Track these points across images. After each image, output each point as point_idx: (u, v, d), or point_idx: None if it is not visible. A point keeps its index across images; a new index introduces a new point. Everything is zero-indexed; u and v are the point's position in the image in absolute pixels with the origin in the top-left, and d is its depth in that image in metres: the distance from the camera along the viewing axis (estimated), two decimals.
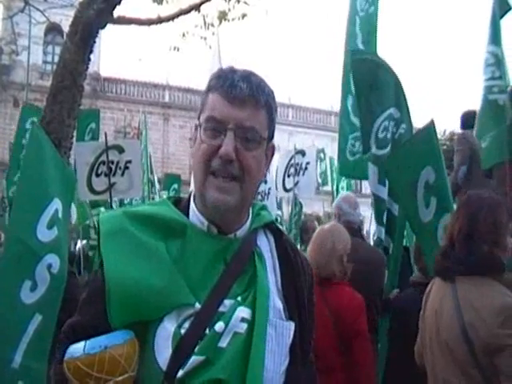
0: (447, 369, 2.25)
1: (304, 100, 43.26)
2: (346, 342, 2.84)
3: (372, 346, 3.06)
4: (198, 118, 1.23)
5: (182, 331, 1.11)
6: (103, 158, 5.36)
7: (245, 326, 1.14)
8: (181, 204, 1.30)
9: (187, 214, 1.25)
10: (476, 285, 2.21)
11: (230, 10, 9.12)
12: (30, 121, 6.72)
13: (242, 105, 1.17)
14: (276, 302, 1.22)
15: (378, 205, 3.91)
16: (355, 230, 3.78)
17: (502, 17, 4.83)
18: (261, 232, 1.32)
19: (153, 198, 8.86)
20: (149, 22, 8.04)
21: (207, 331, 1.12)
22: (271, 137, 1.27)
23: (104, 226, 1.20)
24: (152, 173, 9.78)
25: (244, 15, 9.39)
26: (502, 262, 2.24)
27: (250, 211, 1.31)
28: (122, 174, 5.40)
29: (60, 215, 2.48)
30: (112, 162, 5.36)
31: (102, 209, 6.26)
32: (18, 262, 2.28)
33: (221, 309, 1.14)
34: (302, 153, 7.32)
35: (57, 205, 2.45)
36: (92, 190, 5.44)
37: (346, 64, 4.79)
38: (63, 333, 1.19)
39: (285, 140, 25.34)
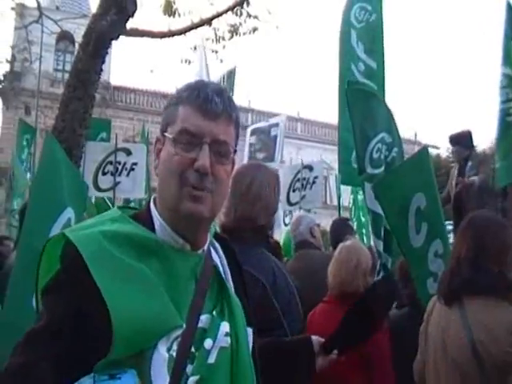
0: None
1: (312, 114, 43.41)
2: (368, 365, 2.75)
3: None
4: (165, 131, 1.20)
5: (174, 354, 1.07)
6: (111, 158, 5.92)
7: (228, 339, 1.17)
8: (139, 218, 1.20)
9: (152, 229, 1.18)
10: (485, 303, 2.22)
11: (240, 24, 9.22)
12: None
13: (216, 119, 1.17)
14: None
15: (376, 220, 3.99)
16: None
17: None
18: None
19: None
20: (161, 35, 8.15)
21: (193, 349, 1.11)
22: (235, 151, 1.25)
23: (85, 249, 1.06)
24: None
25: (255, 29, 9.49)
26: (510, 282, 2.25)
27: None
28: (128, 175, 5.97)
29: (72, 224, 2.52)
30: (119, 163, 5.92)
31: None
32: (30, 269, 2.30)
33: (200, 325, 1.14)
34: (310, 167, 7.31)
35: (70, 214, 2.49)
36: (97, 187, 5.96)
37: (341, 79, 4.99)
38: None
39: (293, 154, 25.34)
